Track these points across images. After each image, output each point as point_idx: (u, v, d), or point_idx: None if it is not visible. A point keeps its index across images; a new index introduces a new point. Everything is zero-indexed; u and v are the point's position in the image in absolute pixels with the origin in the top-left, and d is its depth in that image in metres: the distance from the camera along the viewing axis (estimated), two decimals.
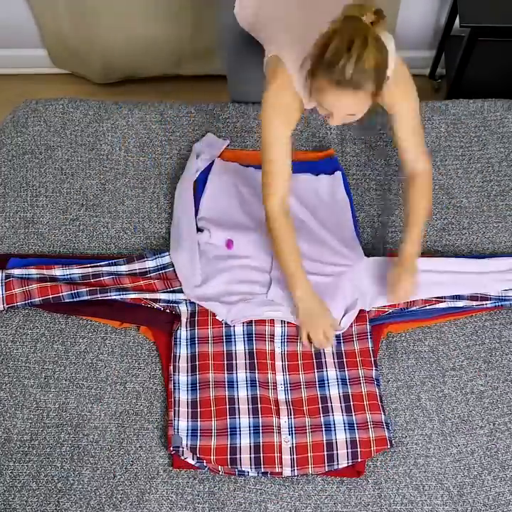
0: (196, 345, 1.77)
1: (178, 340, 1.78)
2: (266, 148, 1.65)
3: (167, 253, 1.88)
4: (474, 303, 1.81)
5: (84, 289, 1.80)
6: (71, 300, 1.81)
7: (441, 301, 1.82)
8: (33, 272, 1.84)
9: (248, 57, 2.02)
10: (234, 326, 1.78)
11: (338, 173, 2.06)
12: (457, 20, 2.68)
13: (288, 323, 1.79)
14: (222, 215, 1.97)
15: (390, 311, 1.81)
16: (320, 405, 1.70)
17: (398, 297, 1.74)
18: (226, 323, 1.79)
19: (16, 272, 1.84)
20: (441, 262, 1.88)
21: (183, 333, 1.79)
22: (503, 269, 1.87)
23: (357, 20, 1.35)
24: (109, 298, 1.81)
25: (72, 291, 1.80)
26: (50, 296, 1.80)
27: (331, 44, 1.36)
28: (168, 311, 1.83)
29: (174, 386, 1.72)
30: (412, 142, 1.74)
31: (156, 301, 1.82)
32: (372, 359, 1.76)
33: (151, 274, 1.87)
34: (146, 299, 1.82)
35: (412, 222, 1.75)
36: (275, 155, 1.65)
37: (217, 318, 1.79)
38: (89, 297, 1.80)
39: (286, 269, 1.72)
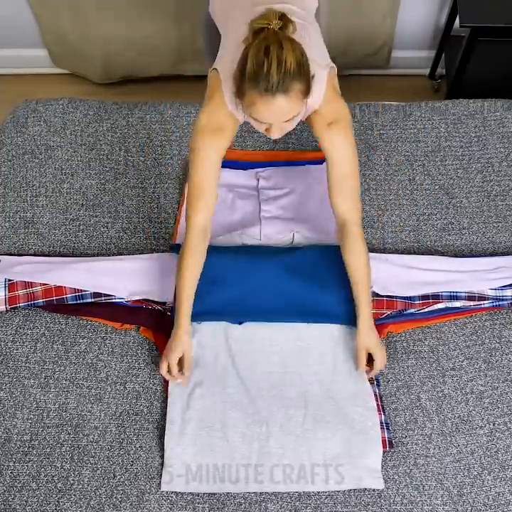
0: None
1: None
2: (192, 171, 1.63)
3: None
4: (472, 303, 1.82)
5: (89, 292, 1.81)
6: (75, 302, 1.81)
7: (439, 302, 1.82)
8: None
9: None
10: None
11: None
12: (457, 20, 2.68)
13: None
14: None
15: (388, 313, 1.81)
16: None
17: (375, 371, 1.72)
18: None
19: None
20: (417, 259, 1.88)
21: None
22: (480, 269, 1.87)
23: (265, 29, 1.37)
24: (113, 300, 1.81)
25: (76, 294, 1.81)
26: (54, 298, 1.80)
27: (249, 58, 1.37)
28: (169, 313, 1.83)
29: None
30: (339, 190, 1.67)
31: (157, 303, 1.82)
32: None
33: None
34: (147, 301, 1.82)
35: (357, 291, 1.70)
36: (200, 178, 1.62)
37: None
38: (92, 300, 1.80)
39: (178, 293, 1.69)
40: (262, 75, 1.36)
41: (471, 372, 1.76)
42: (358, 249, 1.69)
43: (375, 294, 1.84)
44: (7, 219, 2.01)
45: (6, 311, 1.84)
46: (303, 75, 1.39)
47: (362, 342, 1.69)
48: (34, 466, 1.63)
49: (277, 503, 1.59)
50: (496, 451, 1.66)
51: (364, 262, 1.69)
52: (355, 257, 1.69)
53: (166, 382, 1.74)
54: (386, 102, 2.26)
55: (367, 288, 1.70)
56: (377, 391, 1.72)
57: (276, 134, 1.50)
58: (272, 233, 1.95)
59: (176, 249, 1.85)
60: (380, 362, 1.69)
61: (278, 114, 1.42)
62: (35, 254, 1.94)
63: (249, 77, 1.38)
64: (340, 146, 1.63)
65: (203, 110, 1.60)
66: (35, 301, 1.80)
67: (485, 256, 1.93)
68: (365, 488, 1.61)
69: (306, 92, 1.43)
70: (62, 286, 1.81)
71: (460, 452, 1.66)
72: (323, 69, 1.59)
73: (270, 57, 1.34)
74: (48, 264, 1.86)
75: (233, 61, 1.47)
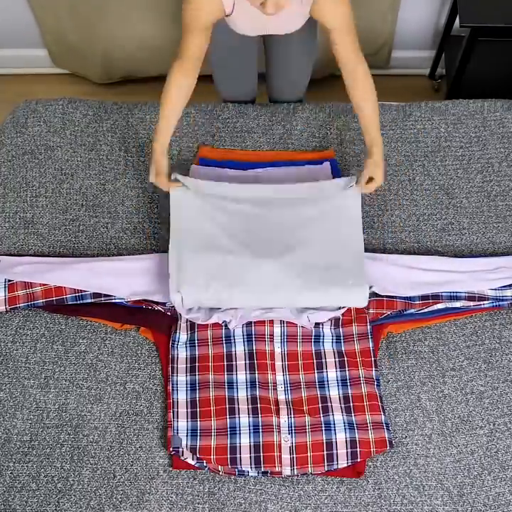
0: (196, 347, 1.77)
1: (176, 342, 1.78)
2: (183, 29, 1.69)
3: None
4: (472, 303, 1.82)
5: (88, 292, 1.81)
6: (74, 302, 1.81)
7: (439, 302, 1.82)
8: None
9: (232, 58, 2.04)
10: (233, 328, 1.79)
11: (327, 164, 2.07)
12: (457, 20, 2.68)
13: (287, 323, 1.79)
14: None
15: (388, 313, 1.81)
16: (320, 405, 1.70)
17: (363, 185, 1.83)
18: (226, 325, 1.79)
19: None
20: (416, 260, 1.89)
21: (183, 335, 1.79)
22: (480, 269, 1.87)
23: None
24: (112, 301, 1.81)
25: (76, 294, 1.81)
26: (54, 298, 1.80)
27: None
28: (169, 313, 1.83)
29: (173, 387, 1.72)
30: (349, 42, 1.75)
31: (157, 303, 1.82)
32: (373, 359, 1.76)
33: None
34: (148, 301, 1.82)
35: (370, 123, 1.81)
36: (191, 34, 1.68)
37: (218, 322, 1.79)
38: (92, 300, 1.81)
39: (160, 117, 1.78)
40: None
41: (471, 372, 1.76)
42: (368, 84, 1.80)
43: (375, 294, 1.84)
44: (7, 219, 2.01)
45: (6, 311, 1.84)
46: None
47: (370, 170, 1.81)
48: (34, 466, 1.64)
49: (277, 503, 1.59)
50: (496, 451, 1.66)
51: (372, 95, 1.80)
52: (365, 89, 1.79)
53: (166, 382, 1.74)
54: (386, 102, 2.26)
55: (377, 118, 1.82)
56: (377, 391, 1.72)
57: (271, 8, 1.51)
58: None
59: None
60: (379, 181, 1.83)
61: None
62: (35, 255, 1.94)
63: None
64: (342, 19, 1.70)
65: None
66: (35, 302, 1.81)
67: (485, 256, 1.93)
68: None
69: None
70: (62, 287, 1.81)
71: (460, 452, 1.66)
72: None
73: None
74: (48, 264, 1.87)
75: None
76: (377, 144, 1.82)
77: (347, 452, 1.63)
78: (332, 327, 1.80)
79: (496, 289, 1.84)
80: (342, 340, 1.79)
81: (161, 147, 1.79)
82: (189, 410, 1.69)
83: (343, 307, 1.80)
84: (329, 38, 1.75)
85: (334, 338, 1.79)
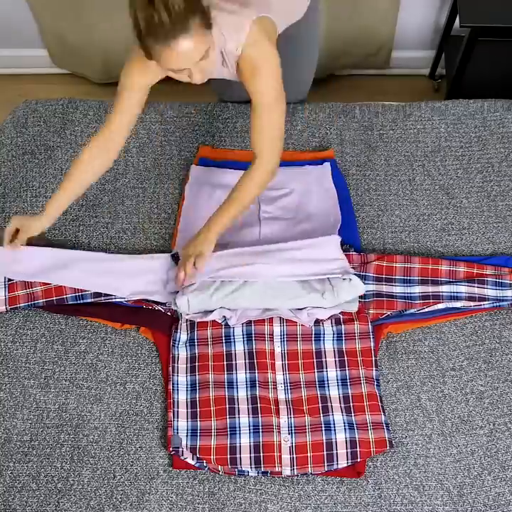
0: (196, 346, 1.77)
1: (176, 342, 1.78)
2: (118, 86, 1.70)
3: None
4: (472, 303, 1.82)
5: (89, 292, 1.81)
6: (75, 302, 1.81)
7: (439, 302, 1.82)
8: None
9: None
10: (233, 326, 1.79)
11: (327, 164, 2.07)
12: (457, 20, 2.68)
13: (287, 322, 1.80)
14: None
15: (388, 313, 1.81)
16: (320, 405, 1.70)
17: (179, 279, 1.72)
18: (225, 324, 1.79)
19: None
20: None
21: (183, 335, 1.79)
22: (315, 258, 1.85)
23: None
24: (113, 300, 1.81)
25: (76, 294, 1.81)
26: (54, 298, 1.80)
27: (137, 15, 1.36)
28: (169, 313, 1.83)
29: (173, 387, 1.72)
30: (257, 131, 1.68)
31: (157, 303, 1.82)
32: (373, 359, 1.76)
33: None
34: (148, 301, 1.82)
35: (220, 211, 1.72)
36: (122, 93, 1.70)
37: (217, 320, 1.80)
38: (93, 300, 1.81)
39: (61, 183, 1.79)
40: (155, 26, 1.35)
41: (471, 372, 1.76)
42: (252, 177, 1.70)
43: (377, 294, 1.84)
44: (7, 219, 2.01)
45: (6, 311, 1.84)
46: (195, 7, 1.38)
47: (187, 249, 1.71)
48: (34, 466, 1.64)
49: (277, 503, 1.59)
50: (496, 451, 1.66)
51: (250, 187, 1.71)
52: (246, 180, 1.71)
53: (166, 382, 1.74)
54: (386, 102, 2.26)
55: (234, 208, 1.71)
56: (377, 392, 1.72)
57: (198, 78, 1.50)
58: (271, 233, 1.95)
59: (176, 259, 1.88)
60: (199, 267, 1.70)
61: (189, 55, 1.42)
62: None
63: (146, 31, 1.37)
64: (263, 91, 1.63)
65: (131, 57, 1.66)
66: (35, 302, 1.81)
67: (477, 256, 1.93)
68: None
69: (207, 23, 1.42)
70: (62, 286, 1.81)
71: (460, 452, 1.66)
72: (247, 18, 1.58)
73: (156, 6, 1.33)
74: (48, 263, 1.86)
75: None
76: (206, 237, 1.71)
77: (347, 452, 1.63)
78: (333, 324, 1.80)
79: (496, 289, 1.84)
80: (343, 338, 1.79)
81: (48, 222, 1.80)
82: (189, 410, 1.69)
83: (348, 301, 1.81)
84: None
85: (335, 335, 1.79)
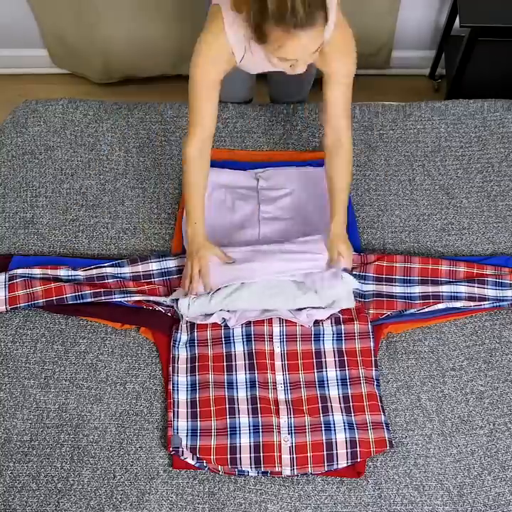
0: (196, 347, 1.77)
1: (177, 342, 1.78)
2: (192, 89, 1.67)
3: (172, 257, 1.88)
4: (472, 303, 1.82)
5: (88, 291, 1.81)
6: (74, 302, 1.81)
7: (439, 302, 1.82)
8: (36, 272, 1.84)
9: None
10: (233, 327, 1.79)
11: None
12: (457, 20, 2.68)
13: (287, 322, 1.80)
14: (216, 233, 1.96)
15: (388, 313, 1.81)
16: (320, 405, 1.70)
17: (334, 260, 1.75)
18: (225, 325, 1.79)
19: (20, 271, 1.84)
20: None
21: (183, 335, 1.79)
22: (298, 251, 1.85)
23: None
24: (112, 300, 1.81)
25: (76, 293, 1.81)
26: (54, 298, 1.80)
27: None
28: (169, 314, 1.83)
29: (173, 387, 1.72)
30: (342, 108, 1.70)
31: (158, 303, 1.82)
32: (373, 359, 1.76)
33: (155, 280, 1.87)
34: (148, 301, 1.82)
35: (338, 197, 1.76)
36: (201, 94, 1.67)
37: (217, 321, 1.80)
38: (92, 299, 1.80)
39: (186, 205, 1.77)
40: (287, 12, 1.31)
41: (471, 372, 1.76)
42: (348, 159, 1.76)
43: (377, 294, 1.84)
44: (7, 219, 2.01)
45: (6, 311, 1.84)
46: (323, 1, 1.36)
47: (334, 246, 1.75)
48: (34, 466, 1.64)
49: (277, 503, 1.59)
50: (496, 451, 1.66)
51: (350, 171, 1.78)
52: (347, 161, 1.75)
53: (166, 382, 1.74)
54: (386, 102, 2.26)
55: (345, 196, 1.77)
56: (377, 392, 1.72)
57: (301, 68, 1.47)
58: (271, 233, 1.95)
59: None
60: (346, 262, 1.75)
61: (308, 48, 1.39)
62: (35, 255, 1.94)
63: (274, 14, 1.32)
64: (350, 71, 1.67)
65: (203, 38, 1.59)
66: (35, 302, 1.80)
67: (480, 257, 1.93)
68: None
69: (326, 18, 1.39)
70: (62, 286, 1.81)
71: (460, 452, 1.66)
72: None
73: None
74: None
75: None
76: (337, 221, 1.76)
77: (347, 452, 1.63)
78: (333, 324, 1.80)
79: (496, 289, 1.84)
80: (343, 338, 1.79)
81: (202, 229, 1.76)
82: (189, 410, 1.69)
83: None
84: (324, 86, 1.68)
85: (335, 335, 1.79)
